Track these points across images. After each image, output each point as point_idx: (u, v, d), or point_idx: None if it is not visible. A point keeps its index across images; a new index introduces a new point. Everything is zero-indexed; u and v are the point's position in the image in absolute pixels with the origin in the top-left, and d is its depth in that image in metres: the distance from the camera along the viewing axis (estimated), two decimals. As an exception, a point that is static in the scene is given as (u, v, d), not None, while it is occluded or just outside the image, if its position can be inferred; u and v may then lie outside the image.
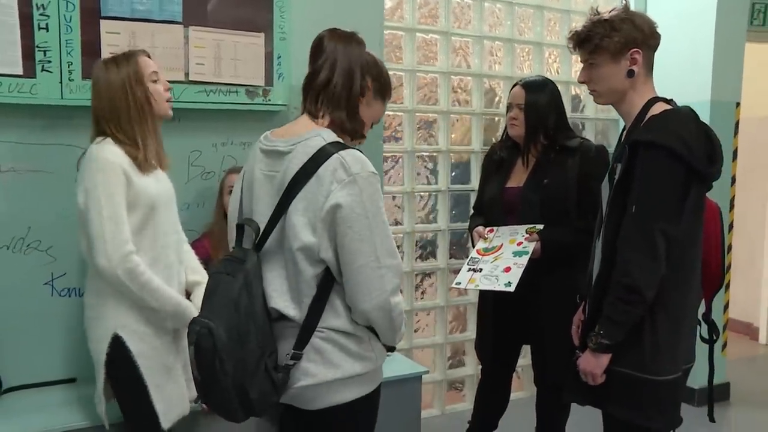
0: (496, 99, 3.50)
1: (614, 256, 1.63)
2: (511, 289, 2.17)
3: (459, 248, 3.45)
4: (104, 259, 1.70)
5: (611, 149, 3.75)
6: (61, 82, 2.21)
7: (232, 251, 1.50)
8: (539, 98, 2.41)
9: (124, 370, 1.82)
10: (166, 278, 1.83)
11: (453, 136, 3.39)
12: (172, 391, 1.87)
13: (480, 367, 2.75)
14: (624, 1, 1.81)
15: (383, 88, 1.58)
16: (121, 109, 1.81)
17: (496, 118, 3.47)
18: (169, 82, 2.34)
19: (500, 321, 2.49)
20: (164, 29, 2.36)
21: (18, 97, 2.16)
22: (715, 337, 1.82)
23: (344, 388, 1.43)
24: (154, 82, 1.89)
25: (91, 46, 2.25)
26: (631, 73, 1.70)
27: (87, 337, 1.88)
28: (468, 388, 3.46)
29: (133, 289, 1.74)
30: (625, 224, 1.60)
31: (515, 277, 2.19)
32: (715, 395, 1.90)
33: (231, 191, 2.28)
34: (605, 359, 1.63)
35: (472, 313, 3.40)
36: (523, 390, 3.53)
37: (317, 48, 1.51)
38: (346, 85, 1.48)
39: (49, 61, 2.20)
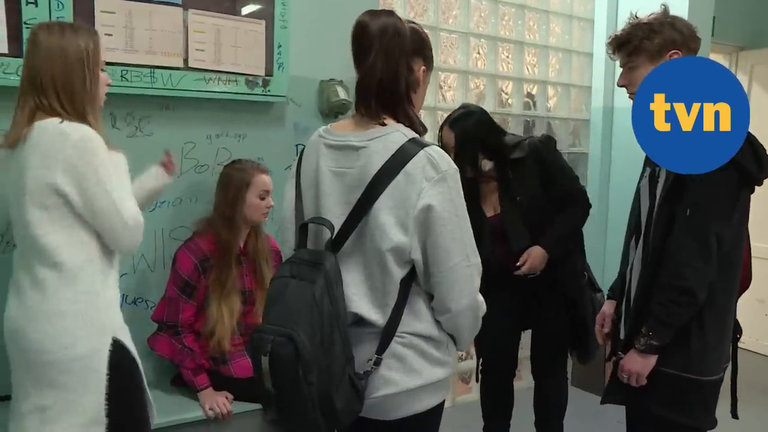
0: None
1: (659, 258, 1.65)
2: None
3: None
4: (127, 239, 1.65)
5: (581, 147, 3.87)
6: (51, 64, 2.01)
7: (297, 253, 1.40)
8: (467, 131, 2.34)
9: (123, 381, 1.65)
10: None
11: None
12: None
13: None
14: (663, 6, 1.81)
15: (431, 60, 1.49)
16: (75, 82, 1.61)
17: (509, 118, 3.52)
18: (166, 68, 2.21)
19: (497, 309, 2.48)
20: (163, 11, 2.19)
21: (3, 79, 1.94)
22: (738, 336, 1.88)
23: (425, 395, 1.38)
24: (102, 71, 1.71)
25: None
26: None
27: (40, 347, 1.58)
28: (474, 380, 3.49)
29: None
30: (678, 227, 1.61)
31: None
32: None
33: (261, 193, 2.19)
34: (653, 360, 1.65)
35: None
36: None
37: (361, 41, 1.38)
38: (398, 90, 1.38)
39: (38, 40, 1.99)
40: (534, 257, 2.34)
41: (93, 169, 1.57)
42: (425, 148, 1.33)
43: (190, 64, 2.26)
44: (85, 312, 1.61)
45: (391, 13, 1.39)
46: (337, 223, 1.36)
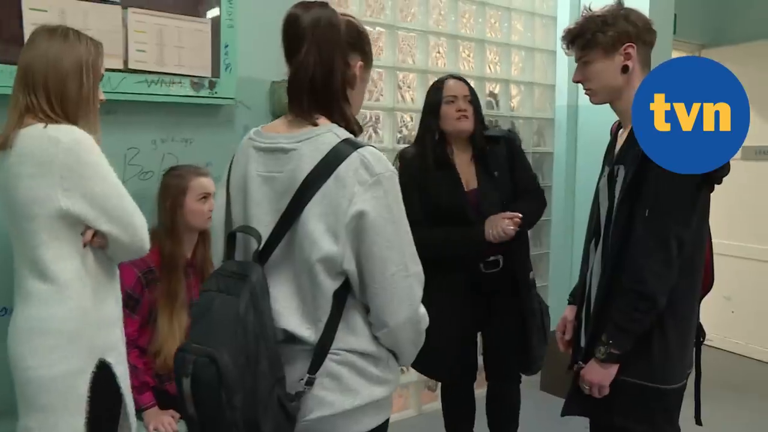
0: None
1: (620, 261, 1.58)
2: None
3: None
4: (144, 236, 1.62)
5: (546, 147, 3.82)
6: (-27, 67, 1.88)
7: (225, 265, 1.30)
8: (474, 92, 2.46)
9: (105, 404, 1.59)
10: None
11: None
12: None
13: None
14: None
15: (369, 56, 1.39)
16: (70, 88, 1.56)
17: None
18: (105, 70, 2.09)
19: (451, 310, 2.31)
20: (99, 9, 2.07)
21: None
22: (702, 339, 1.82)
23: (363, 416, 1.27)
24: (100, 80, 1.66)
25: (10, 23, 1.92)
26: (625, 69, 1.67)
27: (23, 363, 1.53)
28: (440, 388, 3.41)
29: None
30: (638, 229, 1.55)
31: None
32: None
33: (202, 196, 2.08)
34: (614, 370, 1.58)
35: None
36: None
37: (292, 34, 1.29)
38: (332, 86, 1.28)
39: (-41, 41, 1.86)
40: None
41: (92, 168, 1.53)
42: (359, 149, 1.23)
43: (130, 66, 2.14)
44: (72, 330, 1.54)
45: (324, 5, 1.30)
46: (266, 232, 1.25)
